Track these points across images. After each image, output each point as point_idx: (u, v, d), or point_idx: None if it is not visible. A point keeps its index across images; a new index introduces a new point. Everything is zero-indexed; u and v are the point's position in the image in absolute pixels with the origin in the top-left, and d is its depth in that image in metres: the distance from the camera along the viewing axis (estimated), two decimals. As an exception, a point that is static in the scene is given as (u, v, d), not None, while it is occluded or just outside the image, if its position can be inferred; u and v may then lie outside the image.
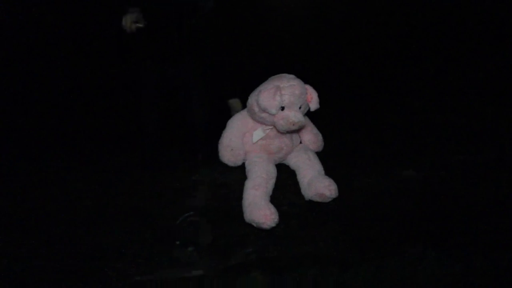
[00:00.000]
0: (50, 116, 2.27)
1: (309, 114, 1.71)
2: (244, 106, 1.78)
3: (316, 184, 1.57)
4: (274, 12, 3.12)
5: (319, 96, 1.65)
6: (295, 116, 1.53)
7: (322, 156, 1.80)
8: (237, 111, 1.81)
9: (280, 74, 1.62)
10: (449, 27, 2.96)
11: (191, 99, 2.18)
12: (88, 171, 1.87)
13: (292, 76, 1.60)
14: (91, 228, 1.53)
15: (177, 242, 1.46)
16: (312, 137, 1.83)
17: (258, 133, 1.66)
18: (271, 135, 1.67)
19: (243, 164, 1.70)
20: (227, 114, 1.78)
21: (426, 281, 1.36)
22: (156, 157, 1.97)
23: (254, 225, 1.47)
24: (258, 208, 1.46)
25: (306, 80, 1.63)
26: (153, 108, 2.03)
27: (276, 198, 1.60)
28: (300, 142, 1.83)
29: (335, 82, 2.64)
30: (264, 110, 1.54)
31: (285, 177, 1.71)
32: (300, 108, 1.57)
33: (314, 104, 1.62)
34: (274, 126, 1.61)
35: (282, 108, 1.54)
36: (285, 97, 1.52)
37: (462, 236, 1.52)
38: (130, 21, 1.88)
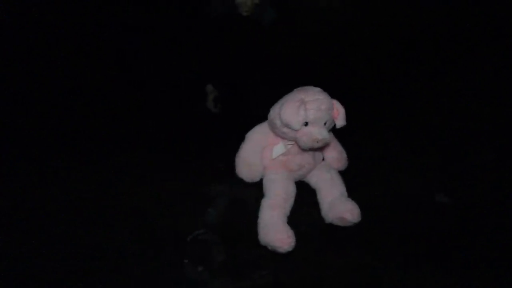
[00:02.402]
0: (50, 116, 2.24)
1: (333, 130, 1.61)
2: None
3: (338, 207, 1.48)
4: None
5: (346, 112, 1.54)
6: (319, 133, 1.44)
7: (345, 175, 1.70)
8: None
9: (306, 86, 1.53)
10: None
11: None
12: (91, 172, 1.83)
13: (318, 89, 1.51)
14: (93, 227, 1.50)
15: (186, 261, 1.38)
16: (336, 155, 1.74)
17: (279, 148, 1.57)
18: (292, 151, 1.58)
19: (261, 180, 1.61)
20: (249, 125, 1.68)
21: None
22: (169, 165, 1.91)
23: (269, 248, 1.39)
24: (275, 230, 1.38)
25: (333, 95, 1.52)
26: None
27: (294, 218, 1.51)
28: (323, 159, 1.72)
29: (363, 97, 2.54)
30: (286, 125, 1.45)
31: (305, 196, 1.63)
32: (325, 124, 1.47)
33: (340, 121, 1.52)
34: (296, 142, 1.51)
35: (306, 124, 1.45)
36: (310, 112, 1.43)
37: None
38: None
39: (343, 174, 1.71)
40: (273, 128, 1.56)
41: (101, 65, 2.83)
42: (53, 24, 2.90)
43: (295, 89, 1.54)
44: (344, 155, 1.77)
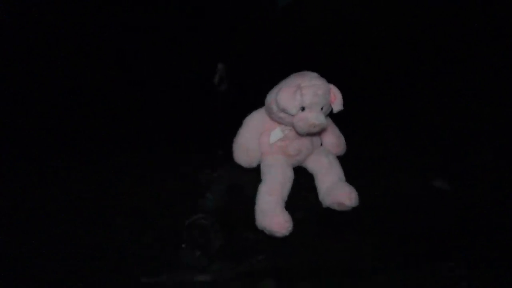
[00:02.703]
0: (50, 116, 2.24)
1: (331, 115, 1.60)
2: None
3: (336, 191, 1.48)
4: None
5: (343, 96, 1.53)
6: (316, 117, 1.43)
7: (343, 160, 1.70)
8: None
9: (303, 72, 1.52)
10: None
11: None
12: (91, 171, 1.83)
13: (315, 74, 1.50)
14: (93, 227, 1.49)
15: (183, 245, 1.39)
16: (334, 140, 1.73)
17: (276, 133, 1.57)
18: (289, 136, 1.58)
19: (259, 165, 1.61)
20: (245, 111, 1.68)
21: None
22: (167, 151, 1.91)
23: (267, 232, 1.40)
24: (272, 215, 1.38)
25: (330, 79, 1.51)
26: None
27: (292, 203, 1.52)
28: (321, 145, 1.72)
29: (359, 81, 2.53)
30: (283, 110, 1.44)
31: (303, 181, 1.64)
32: (322, 109, 1.47)
33: (337, 106, 1.51)
34: (293, 127, 1.50)
35: (303, 109, 1.44)
36: (306, 97, 1.42)
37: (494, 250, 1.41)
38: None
39: (341, 159, 1.71)
40: (270, 113, 1.55)
41: (100, 61, 2.82)
42: (53, 24, 2.89)
43: (292, 74, 1.53)
44: (342, 140, 1.77)
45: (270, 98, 1.52)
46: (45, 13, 2.80)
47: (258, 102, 1.63)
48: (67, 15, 2.88)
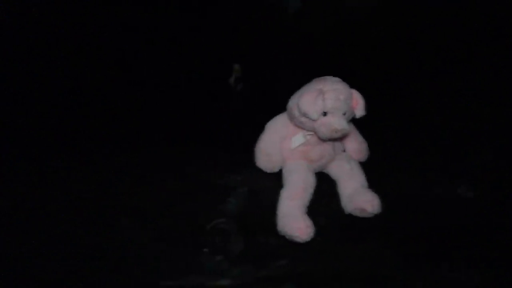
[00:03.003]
0: (50, 116, 2.27)
1: (354, 120, 1.59)
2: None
3: (358, 198, 1.47)
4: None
5: (366, 102, 1.52)
6: (338, 123, 1.43)
7: (366, 166, 1.68)
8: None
9: (325, 77, 1.51)
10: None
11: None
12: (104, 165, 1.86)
13: (337, 79, 1.50)
14: (112, 230, 1.50)
15: (205, 250, 1.39)
16: (356, 146, 1.72)
17: (298, 138, 1.56)
18: (311, 141, 1.57)
19: (281, 171, 1.61)
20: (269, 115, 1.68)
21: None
22: (190, 155, 1.92)
23: (288, 237, 1.39)
24: (293, 220, 1.38)
25: (352, 84, 1.50)
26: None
27: (313, 209, 1.51)
28: (344, 150, 1.71)
29: (382, 87, 2.50)
30: (304, 115, 1.44)
31: (325, 187, 1.62)
32: (344, 114, 1.46)
33: (359, 111, 1.50)
34: (315, 133, 1.50)
35: (325, 114, 1.43)
36: (328, 102, 1.41)
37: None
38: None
39: (364, 165, 1.69)
40: (292, 118, 1.55)
41: (108, 62, 2.86)
42: (53, 24, 2.94)
43: (313, 79, 1.53)
44: (365, 146, 1.75)
45: (292, 103, 1.52)
46: (45, 13, 2.85)
47: (281, 106, 1.64)
48: (67, 15, 2.92)
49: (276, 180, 1.60)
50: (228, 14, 2.77)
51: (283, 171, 1.59)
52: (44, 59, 2.77)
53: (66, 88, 2.58)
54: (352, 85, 1.52)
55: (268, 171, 1.64)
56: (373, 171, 1.66)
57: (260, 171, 1.65)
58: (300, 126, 1.54)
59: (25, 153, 1.99)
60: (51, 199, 1.65)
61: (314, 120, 1.45)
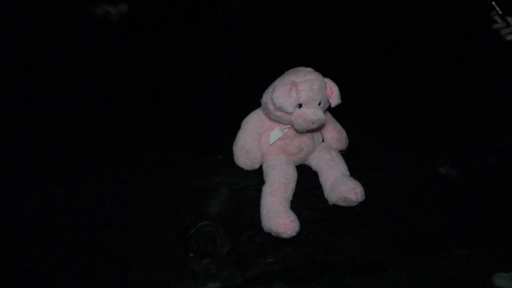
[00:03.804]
0: (69, 118, 2.26)
1: (330, 109, 1.57)
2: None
3: (340, 187, 1.45)
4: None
5: (340, 90, 1.50)
6: (314, 113, 1.41)
7: (347, 154, 1.66)
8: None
9: (297, 68, 1.49)
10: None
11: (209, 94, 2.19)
12: (100, 172, 1.82)
13: (309, 69, 1.48)
14: (102, 238, 1.48)
15: (191, 254, 1.36)
16: (335, 135, 1.70)
17: (275, 133, 1.54)
18: (289, 134, 1.55)
19: (261, 167, 1.58)
20: (243, 113, 1.65)
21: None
22: (169, 158, 1.90)
23: (273, 234, 1.37)
24: (277, 216, 1.36)
25: (325, 73, 1.49)
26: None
27: (297, 203, 1.50)
28: (323, 140, 1.69)
29: (356, 73, 2.51)
30: (279, 109, 1.41)
31: (307, 180, 1.60)
32: (319, 104, 1.45)
33: (335, 100, 1.49)
34: (292, 125, 1.47)
35: (300, 106, 1.42)
36: (302, 93, 1.40)
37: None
38: None
39: (344, 154, 1.68)
40: (267, 113, 1.53)
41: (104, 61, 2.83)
42: (53, 24, 2.90)
43: (286, 72, 1.51)
44: (344, 134, 1.74)
45: (266, 97, 1.49)
46: (45, 13, 2.81)
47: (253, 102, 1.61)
48: (67, 14, 2.89)
49: (257, 177, 1.58)
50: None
51: (263, 167, 1.57)
52: (49, 62, 2.74)
53: (68, 88, 2.57)
54: (325, 74, 1.50)
55: (248, 168, 1.61)
56: (354, 159, 1.65)
57: (240, 169, 1.62)
58: (276, 120, 1.52)
59: (43, 154, 1.99)
60: (55, 201, 1.62)
61: (290, 113, 1.43)
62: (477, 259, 1.40)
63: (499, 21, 1.51)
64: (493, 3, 1.47)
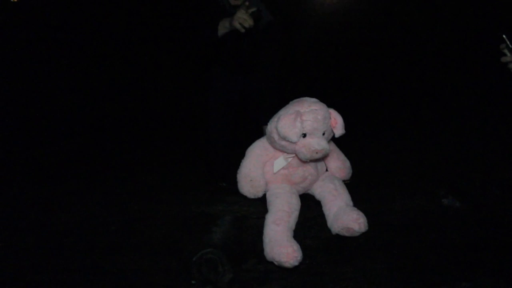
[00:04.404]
0: (75, 141, 2.29)
1: (334, 139, 1.60)
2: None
3: (343, 217, 1.46)
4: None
5: (344, 120, 1.52)
6: (318, 143, 1.43)
7: (350, 184, 1.68)
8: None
9: (301, 98, 1.52)
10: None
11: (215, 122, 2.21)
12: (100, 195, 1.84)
13: (314, 99, 1.51)
14: (105, 264, 1.49)
15: (193, 282, 1.37)
16: (339, 165, 1.72)
17: (279, 162, 1.56)
18: (293, 164, 1.57)
19: (264, 195, 1.59)
20: (248, 141, 1.67)
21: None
22: (173, 184, 1.91)
23: (276, 263, 1.37)
24: (279, 245, 1.37)
25: (330, 104, 1.51)
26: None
27: (300, 232, 1.51)
28: (327, 170, 1.70)
29: (361, 104, 2.54)
30: (284, 138, 1.44)
31: (310, 209, 1.62)
32: (323, 134, 1.46)
33: (339, 130, 1.52)
34: (296, 155, 1.50)
35: (304, 135, 1.44)
36: (306, 123, 1.42)
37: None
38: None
39: (348, 184, 1.69)
40: (272, 142, 1.55)
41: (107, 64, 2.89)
42: (56, 24, 2.97)
43: (290, 102, 1.54)
44: (348, 164, 1.75)
45: (271, 127, 1.52)
46: (45, 13, 2.87)
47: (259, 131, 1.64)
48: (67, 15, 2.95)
49: (260, 205, 1.59)
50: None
51: (267, 195, 1.58)
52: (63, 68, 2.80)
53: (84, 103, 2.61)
54: (330, 104, 1.53)
55: (252, 196, 1.62)
56: (358, 189, 1.67)
57: (243, 197, 1.63)
58: (280, 149, 1.54)
59: (48, 174, 2.01)
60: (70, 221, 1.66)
61: (294, 143, 1.45)
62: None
63: (508, 54, 1.54)
64: (504, 36, 1.50)
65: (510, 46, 1.49)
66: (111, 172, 2.09)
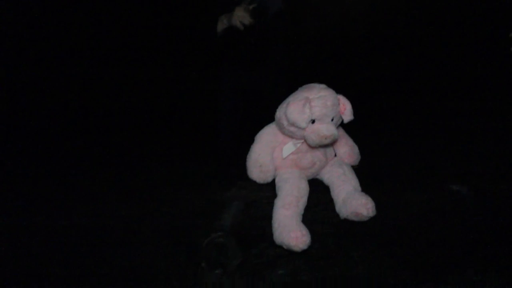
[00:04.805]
0: (81, 136, 2.31)
1: (343, 125, 1.61)
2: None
3: (352, 202, 1.48)
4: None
5: (353, 106, 1.53)
6: (327, 129, 1.45)
7: (359, 170, 1.69)
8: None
9: (310, 84, 1.54)
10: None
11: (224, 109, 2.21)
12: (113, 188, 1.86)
13: (323, 85, 1.52)
14: (117, 249, 1.51)
15: (203, 264, 1.39)
16: (347, 150, 1.73)
17: (289, 147, 1.58)
18: (302, 149, 1.59)
19: (273, 181, 1.61)
20: (258, 126, 1.69)
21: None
22: (182, 171, 1.93)
23: (285, 247, 1.40)
24: (288, 229, 1.39)
25: (338, 90, 1.52)
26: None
27: (309, 216, 1.53)
28: (335, 155, 1.72)
29: (370, 90, 2.53)
30: (293, 124, 1.45)
31: (319, 194, 1.63)
32: (332, 120, 1.48)
33: (347, 116, 1.53)
34: (305, 140, 1.51)
35: (313, 121, 1.45)
36: (315, 109, 1.44)
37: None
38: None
39: (357, 169, 1.70)
40: (281, 128, 1.57)
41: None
42: (58, 24, 2.98)
43: (299, 88, 1.55)
44: (356, 149, 1.77)
45: (280, 113, 1.53)
46: (45, 13, 2.88)
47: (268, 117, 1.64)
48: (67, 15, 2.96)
49: (269, 190, 1.61)
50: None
51: (276, 180, 1.61)
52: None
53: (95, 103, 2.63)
54: (338, 90, 1.54)
55: (261, 182, 1.65)
56: (366, 174, 1.68)
57: (253, 182, 1.65)
58: (289, 135, 1.56)
59: (55, 169, 2.04)
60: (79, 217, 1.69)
61: (303, 129, 1.47)
62: (491, 285, 1.40)
63: None
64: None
65: None
66: (119, 164, 2.11)
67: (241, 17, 1.91)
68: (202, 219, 1.59)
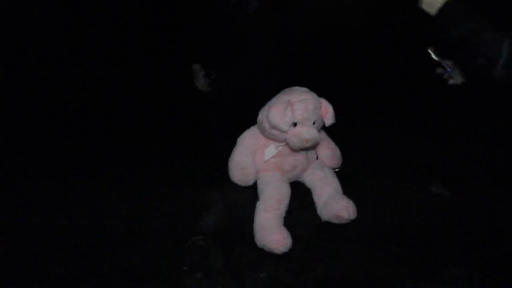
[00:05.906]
0: (79, 138, 2.31)
1: (325, 128, 1.63)
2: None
3: (333, 204, 1.50)
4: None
5: (334, 109, 1.56)
6: (308, 132, 1.47)
7: (340, 173, 1.71)
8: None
9: (292, 87, 1.55)
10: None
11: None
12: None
13: (305, 89, 1.54)
14: (97, 253, 1.50)
15: (185, 268, 1.40)
16: (329, 153, 1.76)
17: (270, 150, 1.60)
18: (284, 152, 1.61)
19: (255, 183, 1.63)
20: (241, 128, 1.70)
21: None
22: (164, 174, 1.93)
23: (266, 249, 1.41)
24: (270, 232, 1.41)
25: (322, 89, 1.55)
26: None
27: (290, 219, 1.54)
28: (317, 158, 1.74)
29: (351, 93, 2.56)
30: (274, 127, 1.47)
31: (301, 196, 1.65)
32: (314, 123, 1.50)
33: (329, 119, 1.56)
34: (287, 143, 1.53)
35: (295, 124, 1.47)
36: (297, 113, 1.46)
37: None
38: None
39: (338, 172, 1.73)
40: (262, 131, 1.58)
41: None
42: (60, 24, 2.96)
43: (281, 91, 1.56)
44: (338, 152, 1.80)
45: (262, 116, 1.55)
46: (45, 13, 2.86)
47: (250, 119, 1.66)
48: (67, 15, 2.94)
49: (251, 193, 1.62)
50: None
51: (258, 183, 1.62)
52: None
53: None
54: (322, 90, 1.56)
55: (243, 184, 1.66)
56: (347, 177, 1.70)
57: (235, 185, 1.67)
58: (271, 137, 1.58)
59: (54, 169, 2.02)
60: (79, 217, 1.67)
61: (284, 132, 1.48)
62: (473, 280, 1.43)
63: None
64: (429, 50, 1.51)
65: (436, 59, 1.50)
66: (119, 164, 2.11)
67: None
68: (183, 221, 1.59)
